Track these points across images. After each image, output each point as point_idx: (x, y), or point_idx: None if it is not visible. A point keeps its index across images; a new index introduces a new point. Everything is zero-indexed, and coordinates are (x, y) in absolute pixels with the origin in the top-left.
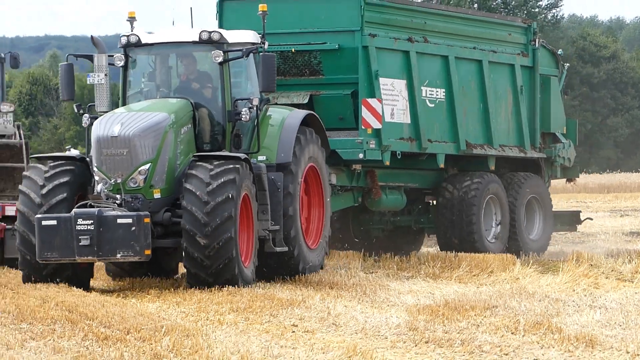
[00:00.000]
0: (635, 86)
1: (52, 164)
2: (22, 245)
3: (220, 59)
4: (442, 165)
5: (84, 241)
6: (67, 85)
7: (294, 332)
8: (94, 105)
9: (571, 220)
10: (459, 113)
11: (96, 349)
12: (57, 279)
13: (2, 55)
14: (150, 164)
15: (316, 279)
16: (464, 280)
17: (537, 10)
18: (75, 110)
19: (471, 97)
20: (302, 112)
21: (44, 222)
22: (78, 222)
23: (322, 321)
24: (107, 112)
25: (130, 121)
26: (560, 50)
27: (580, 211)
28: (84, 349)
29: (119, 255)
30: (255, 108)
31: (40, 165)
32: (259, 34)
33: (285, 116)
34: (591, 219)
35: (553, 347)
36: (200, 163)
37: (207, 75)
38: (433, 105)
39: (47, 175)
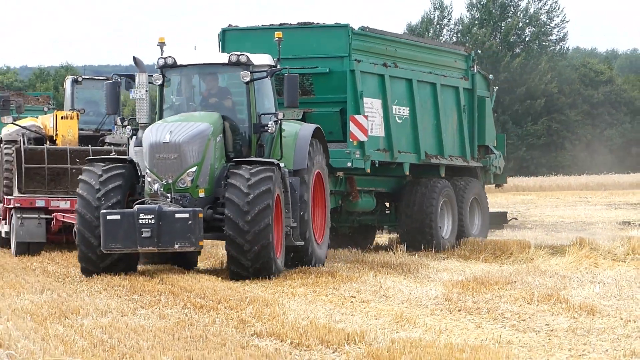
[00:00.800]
0: (627, 105)
1: (104, 168)
2: (82, 242)
3: (248, 79)
4: (407, 173)
5: (146, 233)
6: (112, 101)
7: (352, 302)
8: (135, 117)
9: (499, 220)
10: (420, 128)
11: (193, 316)
12: (114, 271)
13: (119, 79)
14: (196, 167)
15: (370, 259)
16: (489, 260)
17: (547, 43)
18: (119, 123)
19: (428, 115)
20: (312, 126)
21: (108, 217)
22: (140, 217)
23: (375, 293)
24: (147, 123)
25: (178, 130)
26: (491, 75)
27: (507, 212)
28: (184, 316)
29: (176, 246)
30: (279, 121)
31: (94, 169)
32: (274, 58)
33: (297, 129)
34: (516, 219)
35: (561, 314)
36: (241, 165)
37: (235, 92)
38: (401, 121)
39: (102, 179)
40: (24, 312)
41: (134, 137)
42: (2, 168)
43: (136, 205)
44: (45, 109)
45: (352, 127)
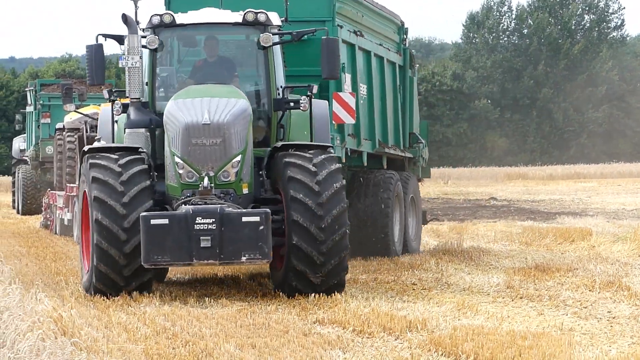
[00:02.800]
0: None
1: (121, 162)
2: (102, 260)
3: (269, 43)
4: (365, 164)
5: (205, 242)
6: (97, 68)
7: (414, 289)
8: (123, 90)
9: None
10: (376, 111)
11: (256, 303)
12: (139, 292)
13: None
14: (240, 155)
15: (431, 247)
16: (550, 247)
17: (607, 30)
18: (106, 96)
19: (378, 96)
20: (324, 103)
21: (153, 221)
22: (197, 221)
23: (436, 281)
24: (138, 99)
25: (218, 107)
26: (413, 50)
27: (426, 211)
28: (246, 303)
29: (244, 258)
30: (312, 96)
31: (109, 164)
32: (281, 17)
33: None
34: (437, 219)
35: (623, 302)
36: (295, 153)
37: (250, 60)
38: (362, 102)
39: (124, 178)
40: (87, 300)
41: (124, 116)
42: (64, 156)
43: (190, 207)
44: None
45: (336, 107)
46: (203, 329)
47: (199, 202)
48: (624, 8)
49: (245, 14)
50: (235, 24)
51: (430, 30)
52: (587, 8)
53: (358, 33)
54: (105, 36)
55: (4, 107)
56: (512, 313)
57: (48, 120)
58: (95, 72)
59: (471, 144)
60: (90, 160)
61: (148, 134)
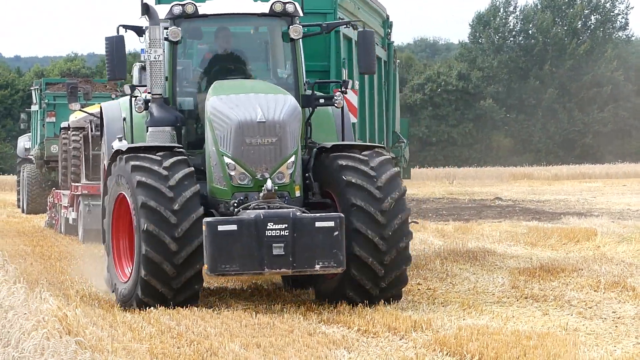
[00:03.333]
0: None
1: (166, 164)
2: (152, 272)
3: (300, 35)
4: None
5: (278, 250)
6: (118, 61)
7: (418, 289)
8: (143, 86)
9: None
10: (367, 109)
11: (261, 303)
12: (187, 305)
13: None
14: (294, 155)
15: (436, 247)
16: (555, 247)
17: (612, 30)
18: (128, 92)
19: (369, 93)
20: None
21: (220, 227)
22: (268, 227)
23: (441, 281)
24: (160, 95)
25: (267, 104)
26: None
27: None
28: (251, 303)
29: (317, 267)
30: (346, 92)
31: (153, 166)
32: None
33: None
34: (416, 222)
35: (628, 302)
36: (349, 154)
37: (277, 53)
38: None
39: (172, 182)
40: (92, 299)
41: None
42: (69, 155)
43: (259, 211)
44: (113, 96)
45: None
46: (208, 328)
47: (263, 207)
48: (632, 7)
49: (273, 4)
50: (262, 14)
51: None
52: (592, 8)
53: (355, 27)
54: (126, 27)
55: (9, 105)
56: (516, 313)
57: (53, 119)
58: (117, 65)
59: (477, 144)
60: (132, 162)
61: (174, 132)
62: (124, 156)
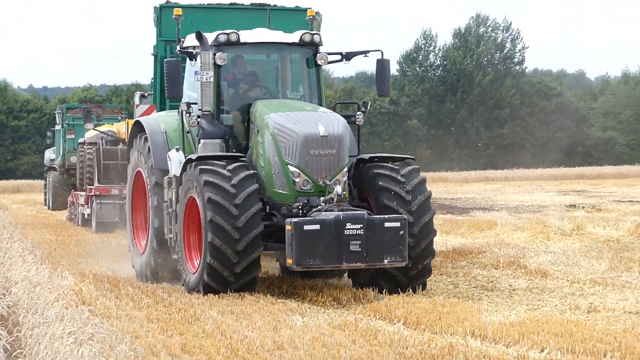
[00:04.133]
0: (574, 113)
1: (230, 168)
2: (218, 259)
3: (325, 62)
4: None
5: (354, 247)
6: (176, 81)
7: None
8: (194, 103)
9: None
10: None
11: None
12: (245, 290)
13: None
14: (347, 165)
15: None
16: (465, 235)
17: (511, 65)
18: (185, 109)
19: None
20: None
21: (306, 227)
22: (347, 226)
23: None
24: (209, 112)
25: (326, 121)
26: None
27: None
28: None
29: (386, 261)
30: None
31: (219, 169)
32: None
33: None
34: None
35: (521, 277)
36: (384, 164)
37: (304, 77)
38: None
39: (234, 182)
40: (102, 277)
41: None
42: (85, 164)
43: (339, 213)
44: (119, 118)
45: None
46: (193, 299)
47: (332, 209)
48: (528, 47)
49: (302, 34)
50: (293, 43)
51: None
52: (496, 47)
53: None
54: (181, 52)
55: (38, 126)
56: (434, 287)
57: (72, 136)
58: (175, 85)
59: (404, 154)
60: (201, 167)
61: (223, 144)
62: (193, 163)
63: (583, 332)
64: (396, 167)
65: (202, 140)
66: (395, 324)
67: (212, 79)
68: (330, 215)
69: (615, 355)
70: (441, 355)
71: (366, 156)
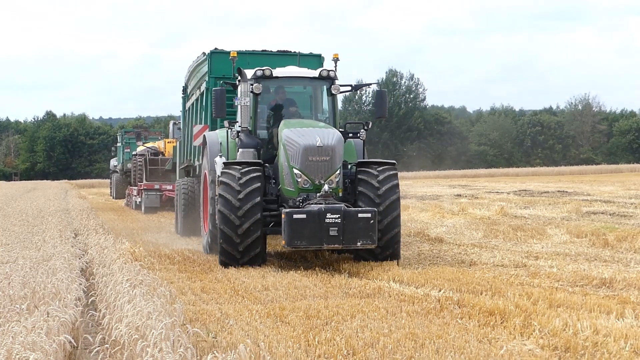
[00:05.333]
0: (458, 135)
1: (242, 170)
2: (225, 240)
3: (338, 91)
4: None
5: (333, 232)
6: (221, 105)
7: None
8: (237, 122)
9: None
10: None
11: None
12: (251, 264)
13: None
14: (339, 169)
15: None
16: None
17: (417, 102)
18: (227, 126)
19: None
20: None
21: (295, 216)
22: (327, 216)
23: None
24: (247, 128)
25: (324, 135)
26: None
27: None
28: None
29: (359, 244)
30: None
31: (232, 172)
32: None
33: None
34: None
35: (425, 243)
36: (365, 169)
37: (321, 104)
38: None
39: (241, 181)
40: (148, 242)
41: (238, 140)
42: (137, 169)
43: (320, 205)
44: (159, 138)
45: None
46: (209, 257)
47: (321, 202)
48: (427, 89)
49: (320, 71)
50: (313, 77)
51: None
52: (406, 90)
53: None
54: (226, 83)
55: (106, 143)
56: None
57: (128, 150)
58: (220, 108)
59: None
60: (222, 170)
61: (256, 152)
62: (222, 162)
63: (467, 278)
64: (375, 173)
65: (240, 150)
66: (342, 273)
67: (249, 104)
68: (315, 207)
69: (488, 293)
70: (373, 294)
71: (355, 162)
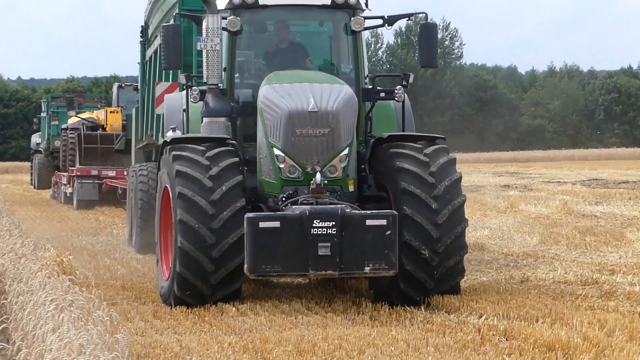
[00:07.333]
0: (507, 103)
1: (210, 154)
2: (187, 267)
3: (361, 28)
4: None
5: (323, 249)
6: (174, 49)
7: None
8: (199, 76)
9: None
10: None
11: None
12: (230, 301)
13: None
14: (348, 148)
15: None
16: None
17: (450, 60)
18: (184, 82)
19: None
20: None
21: (262, 224)
22: (314, 224)
23: None
24: (217, 85)
25: (321, 93)
26: None
27: None
28: None
29: (367, 269)
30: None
31: (196, 156)
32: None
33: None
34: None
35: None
36: (404, 142)
37: (338, 46)
38: None
39: (213, 172)
40: (82, 249)
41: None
42: (67, 148)
43: (304, 207)
44: (99, 106)
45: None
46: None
47: (311, 202)
48: (465, 44)
49: None
50: (324, 6)
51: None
52: (439, 44)
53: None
54: (184, 15)
55: (26, 113)
56: None
57: (56, 122)
58: (173, 55)
59: None
60: (174, 152)
61: (229, 123)
62: (169, 147)
63: (517, 300)
64: (418, 146)
65: (204, 119)
66: (347, 292)
67: (218, 47)
68: (297, 209)
69: (546, 320)
70: (389, 321)
71: (385, 135)
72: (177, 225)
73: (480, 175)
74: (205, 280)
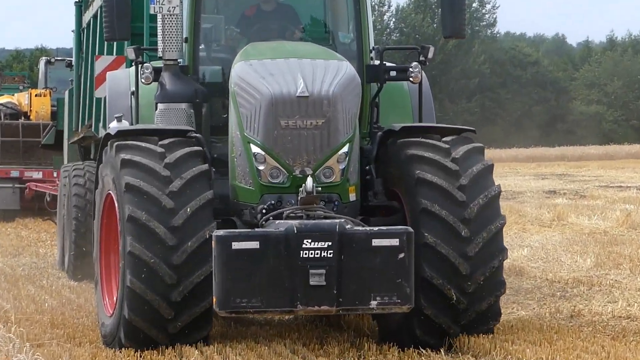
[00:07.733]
0: (552, 84)
1: (169, 160)
2: (138, 308)
3: None
4: None
5: (317, 278)
6: (119, 14)
7: None
8: (154, 49)
9: None
10: None
11: None
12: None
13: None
14: (348, 144)
15: None
16: None
17: (479, 28)
18: (133, 56)
19: None
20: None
21: (235, 245)
22: (305, 245)
23: None
24: (175, 60)
25: (312, 72)
26: None
27: None
28: None
29: (373, 303)
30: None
31: (154, 164)
32: None
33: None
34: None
35: None
36: (420, 139)
37: (334, 8)
38: None
39: (179, 185)
40: None
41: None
42: None
43: (291, 222)
44: (21, 88)
45: None
46: None
47: (300, 215)
48: (499, 6)
49: None
50: None
51: None
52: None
53: None
54: None
55: None
56: None
57: None
58: (118, 20)
59: None
60: (123, 155)
61: (191, 111)
62: (115, 143)
63: (565, 341)
64: (444, 146)
65: (159, 105)
66: (344, 330)
67: (177, 11)
68: (282, 225)
69: None
70: None
71: (397, 126)
72: (125, 258)
73: (518, 178)
74: (162, 329)
